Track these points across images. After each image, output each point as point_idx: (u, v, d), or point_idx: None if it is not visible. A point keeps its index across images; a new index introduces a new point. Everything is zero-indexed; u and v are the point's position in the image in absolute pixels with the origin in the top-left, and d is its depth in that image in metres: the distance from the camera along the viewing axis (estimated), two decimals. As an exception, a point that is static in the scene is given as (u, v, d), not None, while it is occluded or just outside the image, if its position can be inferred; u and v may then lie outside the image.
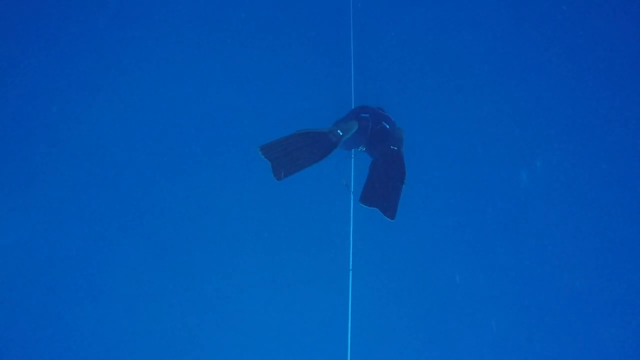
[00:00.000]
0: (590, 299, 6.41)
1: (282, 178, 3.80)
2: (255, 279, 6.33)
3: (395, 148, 3.95)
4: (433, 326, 6.32)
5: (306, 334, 6.19)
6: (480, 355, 6.25)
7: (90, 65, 6.97)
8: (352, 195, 4.35)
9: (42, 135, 6.68)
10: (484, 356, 6.24)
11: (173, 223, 6.51)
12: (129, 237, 6.44)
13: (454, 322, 6.31)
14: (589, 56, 7.31)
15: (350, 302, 3.77)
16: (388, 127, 4.45)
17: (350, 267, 4.05)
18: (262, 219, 6.51)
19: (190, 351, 6.17)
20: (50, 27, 7.12)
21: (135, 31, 7.21)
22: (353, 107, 4.94)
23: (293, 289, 6.30)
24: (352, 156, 4.48)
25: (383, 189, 3.90)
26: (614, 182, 6.80)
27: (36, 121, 6.69)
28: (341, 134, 3.97)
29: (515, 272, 6.50)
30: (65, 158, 6.63)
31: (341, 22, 6.52)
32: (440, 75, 7.18)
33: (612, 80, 7.20)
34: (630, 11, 7.46)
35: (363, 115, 4.52)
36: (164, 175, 6.67)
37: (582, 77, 7.23)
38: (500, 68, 7.32)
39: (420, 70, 7.25)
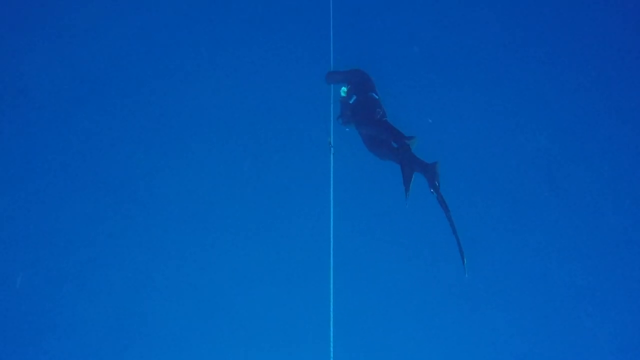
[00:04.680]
0: (586, 299, 6.32)
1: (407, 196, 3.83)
2: (241, 275, 6.34)
3: (437, 184, 3.79)
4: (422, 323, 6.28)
5: (290, 329, 6.16)
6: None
7: (82, 64, 7.08)
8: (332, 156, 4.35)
9: (40, 135, 6.78)
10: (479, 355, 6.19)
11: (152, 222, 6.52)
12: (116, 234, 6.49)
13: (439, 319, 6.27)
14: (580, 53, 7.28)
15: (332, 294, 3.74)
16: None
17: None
18: (244, 216, 6.52)
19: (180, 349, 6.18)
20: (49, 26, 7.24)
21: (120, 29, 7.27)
22: (354, 68, 4.71)
23: (277, 283, 6.29)
24: (332, 151, 4.40)
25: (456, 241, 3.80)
26: (614, 181, 6.74)
27: (35, 121, 6.80)
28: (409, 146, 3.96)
29: (509, 272, 6.45)
30: (65, 158, 6.73)
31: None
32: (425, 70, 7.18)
33: (611, 80, 7.15)
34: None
35: (374, 96, 4.41)
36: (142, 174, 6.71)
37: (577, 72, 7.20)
38: (499, 68, 7.31)
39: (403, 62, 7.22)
